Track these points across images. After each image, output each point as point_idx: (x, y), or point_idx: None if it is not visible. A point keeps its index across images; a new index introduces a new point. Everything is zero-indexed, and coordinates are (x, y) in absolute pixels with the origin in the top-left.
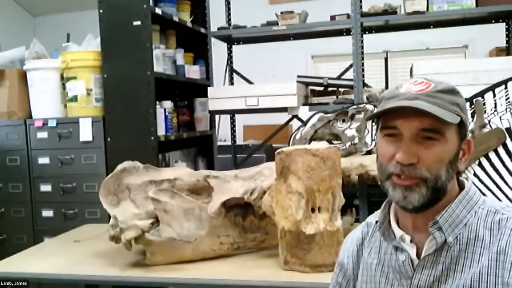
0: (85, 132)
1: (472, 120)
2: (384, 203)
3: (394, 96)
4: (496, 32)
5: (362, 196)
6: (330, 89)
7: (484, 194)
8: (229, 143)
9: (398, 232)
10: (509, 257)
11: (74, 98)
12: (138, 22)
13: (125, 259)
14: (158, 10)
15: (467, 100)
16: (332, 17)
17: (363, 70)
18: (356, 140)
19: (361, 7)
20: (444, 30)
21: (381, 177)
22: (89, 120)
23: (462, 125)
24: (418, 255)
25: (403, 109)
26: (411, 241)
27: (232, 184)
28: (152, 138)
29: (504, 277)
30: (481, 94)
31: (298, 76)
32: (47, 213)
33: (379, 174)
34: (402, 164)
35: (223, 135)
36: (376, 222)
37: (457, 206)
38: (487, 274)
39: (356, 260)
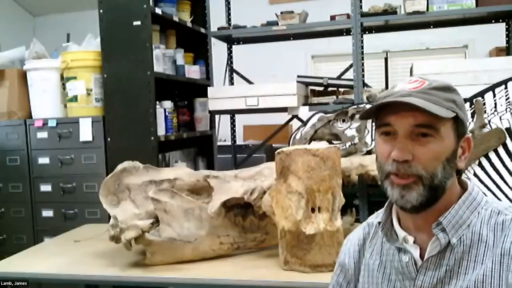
0: (85, 132)
1: (472, 120)
2: (386, 203)
3: (388, 95)
4: (496, 32)
5: (362, 196)
6: (330, 89)
7: (484, 194)
8: (229, 143)
9: (400, 233)
10: None
11: (74, 98)
12: (138, 22)
13: (125, 259)
14: (158, 10)
15: (467, 100)
16: (332, 17)
17: (363, 70)
18: (356, 140)
19: (361, 7)
20: (444, 30)
21: (381, 177)
22: (89, 120)
23: (459, 122)
24: (421, 256)
25: (396, 106)
26: (414, 242)
27: (232, 184)
28: (152, 138)
29: (508, 278)
30: (481, 94)
31: (298, 76)
32: (47, 213)
33: (379, 175)
34: (398, 161)
35: (223, 135)
36: (379, 223)
37: (460, 207)
38: (491, 276)
39: (357, 261)
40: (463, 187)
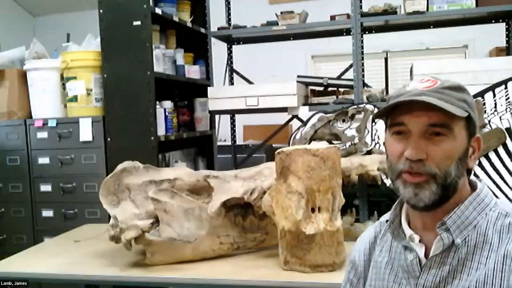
0: (85, 132)
1: None
2: (396, 203)
3: (400, 94)
4: (496, 32)
5: (362, 196)
6: (330, 89)
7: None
8: (229, 143)
9: (408, 231)
10: None
11: (74, 98)
12: (138, 22)
13: (125, 259)
14: (158, 10)
15: None
16: (332, 17)
17: (363, 70)
18: (356, 140)
19: (361, 7)
20: (444, 30)
21: (392, 176)
22: (89, 120)
23: (470, 122)
24: (426, 255)
25: (410, 105)
26: (420, 241)
27: (232, 184)
28: (152, 138)
29: (509, 280)
30: (481, 94)
31: (298, 76)
32: (47, 213)
33: (389, 174)
34: (411, 160)
35: (223, 135)
36: (387, 221)
37: (466, 207)
38: (493, 277)
39: (367, 258)
40: (473, 187)
